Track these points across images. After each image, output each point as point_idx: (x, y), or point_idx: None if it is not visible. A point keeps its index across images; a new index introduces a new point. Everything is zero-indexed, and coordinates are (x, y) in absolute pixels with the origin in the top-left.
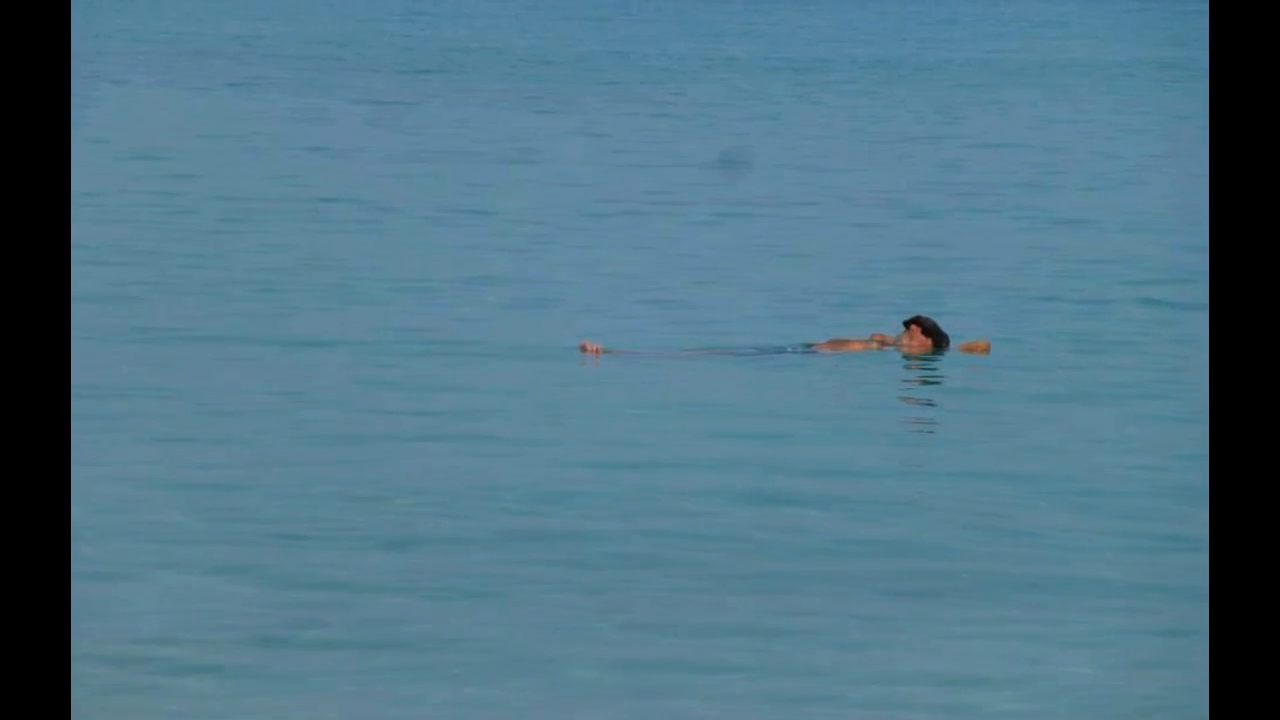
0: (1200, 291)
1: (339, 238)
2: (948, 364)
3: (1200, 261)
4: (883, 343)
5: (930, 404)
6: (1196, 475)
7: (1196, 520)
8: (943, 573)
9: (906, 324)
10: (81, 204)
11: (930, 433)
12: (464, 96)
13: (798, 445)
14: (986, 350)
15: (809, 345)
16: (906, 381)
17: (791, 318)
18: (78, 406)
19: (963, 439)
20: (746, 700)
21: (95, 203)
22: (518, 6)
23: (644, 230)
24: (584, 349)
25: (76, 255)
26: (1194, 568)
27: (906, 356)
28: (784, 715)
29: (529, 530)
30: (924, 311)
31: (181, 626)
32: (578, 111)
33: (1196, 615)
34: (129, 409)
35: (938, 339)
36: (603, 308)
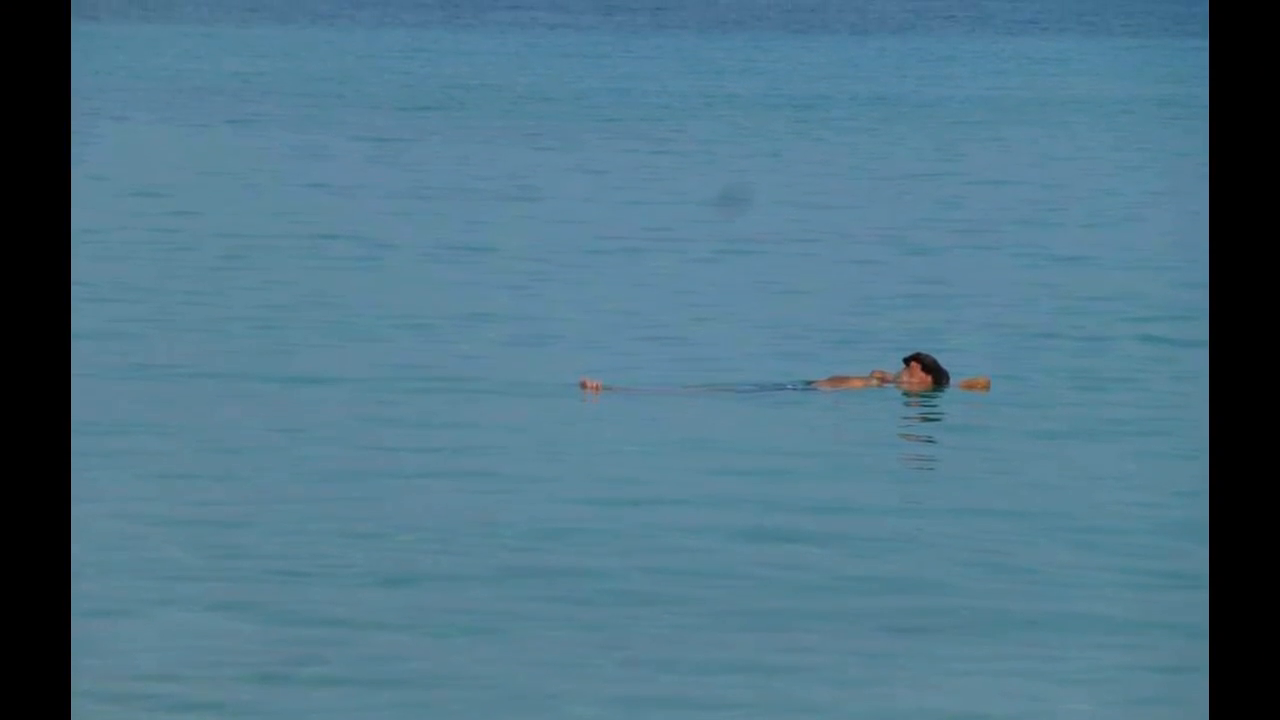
0: (1200, 328)
1: (339, 274)
2: (947, 401)
3: (1200, 298)
4: (883, 379)
5: (930, 441)
6: (1196, 512)
7: (1196, 557)
8: (942, 609)
9: (906, 361)
10: (81, 241)
11: (930, 469)
12: (464, 133)
13: (797, 482)
14: (986, 387)
15: (809, 382)
16: (906, 418)
17: (791, 354)
18: (78, 443)
19: (962, 476)
20: None
21: (95, 239)
22: (517, 43)
23: (644, 267)
24: (584, 386)
25: (76, 292)
26: (1194, 605)
27: (906, 393)
28: None
29: (529, 567)
30: (924, 348)
31: (181, 663)
32: (578, 148)
33: (1196, 652)
34: (129, 446)
35: (938, 376)
36: (603, 344)
